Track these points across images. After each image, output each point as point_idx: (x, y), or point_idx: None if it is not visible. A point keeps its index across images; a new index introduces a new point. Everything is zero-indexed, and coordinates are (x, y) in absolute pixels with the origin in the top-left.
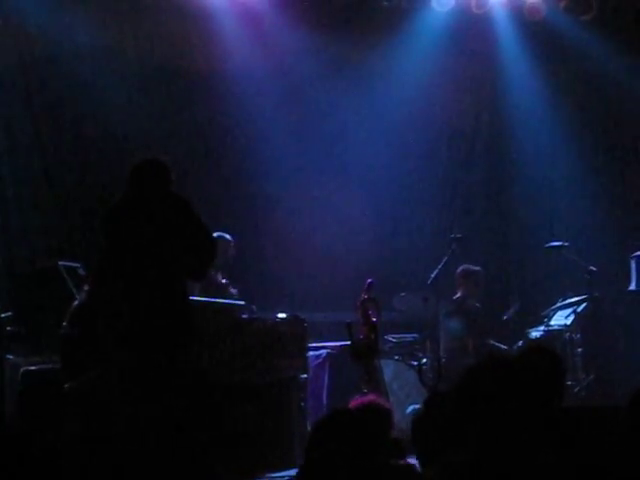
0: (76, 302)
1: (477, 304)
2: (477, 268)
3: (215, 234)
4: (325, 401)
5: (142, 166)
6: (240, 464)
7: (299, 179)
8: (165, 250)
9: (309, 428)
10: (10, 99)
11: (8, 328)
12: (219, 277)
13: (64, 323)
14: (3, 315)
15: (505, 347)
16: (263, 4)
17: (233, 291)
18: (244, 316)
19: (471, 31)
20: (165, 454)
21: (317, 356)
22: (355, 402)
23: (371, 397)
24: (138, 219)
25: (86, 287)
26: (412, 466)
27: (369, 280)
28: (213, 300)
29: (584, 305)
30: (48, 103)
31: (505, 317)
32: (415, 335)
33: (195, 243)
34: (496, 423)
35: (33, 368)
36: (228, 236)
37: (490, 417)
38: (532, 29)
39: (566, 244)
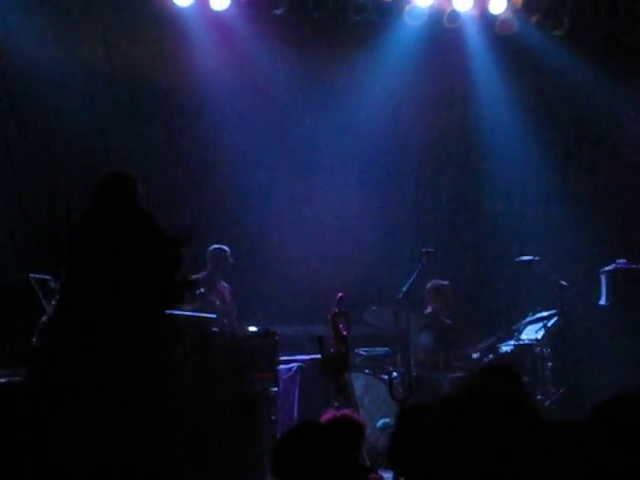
0: (46, 315)
1: (447, 319)
2: (445, 282)
3: (214, 246)
4: (296, 414)
5: (108, 179)
6: (210, 478)
7: (269, 192)
8: (130, 265)
9: None
10: None
11: None
12: (222, 285)
13: (34, 337)
14: None
15: (475, 360)
16: (235, 17)
17: (213, 300)
18: (214, 329)
19: (443, 45)
20: (134, 470)
21: (288, 369)
22: (328, 415)
23: (344, 411)
24: (102, 233)
25: (54, 301)
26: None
27: (340, 294)
28: (181, 313)
29: (554, 319)
30: (18, 118)
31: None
32: (386, 349)
33: (160, 257)
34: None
35: (2, 380)
36: (226, 247)
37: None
38: (504, 44)
39: (536, 259)
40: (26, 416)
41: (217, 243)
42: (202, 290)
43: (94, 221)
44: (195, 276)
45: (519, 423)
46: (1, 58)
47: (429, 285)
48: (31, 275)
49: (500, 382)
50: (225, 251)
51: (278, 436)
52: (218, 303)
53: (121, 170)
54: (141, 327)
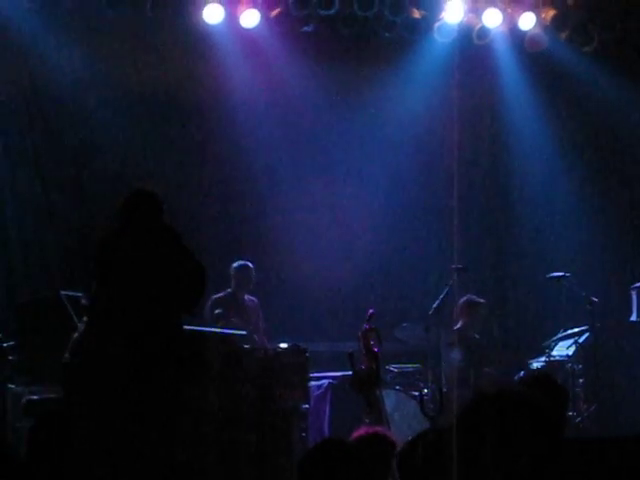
0: (77, 332)
1: (476, 335)
2: (482, 300)
3: (239, 262)
4: (326, 431)
5: (132, 197)
6: None
7: (298, 208)
8: (157, 282)
9: None
10: (11, 131)
11: (10, 357)
12: (247, 299)
13: (66, 353)
14: (5, 344)
15: (506, 378)
16: (265, 35)
17: (234, 320)
18: (245, 346)
19: (472, 62)
20: None
21: (319, 386)
22: (360, 432)
23: (377, 428)
24: (129, 251)
25: (84, 318)
26: None
27: (371, 310)
28: (213, 330)
29: (585, 336)
30: (49, 135)
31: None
32: (417, 365)
33: (186, 275)
34: (500, 455)
35: (35, 397)
36: (250, 263)
37: (495, 449)
38: (533, 60)
39: (567, 275)
40: (62, 433)
41: (244, 260)
42: (219, 311)
43: (121, 239)
44: (216, 295)
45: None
46: (33, 77)
47: (464, 299)
48: (62, 292)
49: (542, 393)
50: (249, 267)
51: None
52: (236, 320)
53: (145, 187)
54: (170, 343)
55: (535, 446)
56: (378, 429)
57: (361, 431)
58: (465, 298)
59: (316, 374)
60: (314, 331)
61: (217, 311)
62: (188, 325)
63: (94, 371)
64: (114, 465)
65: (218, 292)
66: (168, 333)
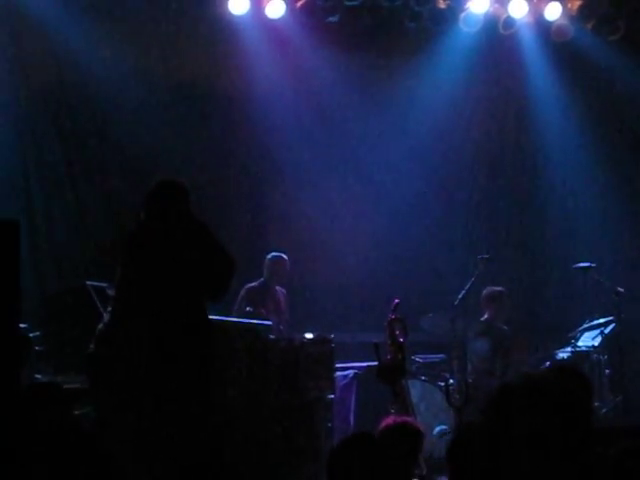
0: (102, 323)
1: (504, 326)
2: (500, 289)
3: (273, 254)
4: (352, 422)
5: (160, 188)
6: None
7: (326, 199)
8: (184, 272)
9: None
10: (40, 123)
11: (37, 347)
12: (278, 292)
13: (91, 344)
14: (32, 334)
15: (531, 367)
16: (290, 25)
17: (263, 312)
18: (271, 336)
19: (498, 52)
20: (191, 475)
21: (344, 376)
22: (387, 422)
23: (404, 417)
24: (157, 242)
25: (109, 308)
26: None
27: (396, 300)
28: (239, 320)
29: (611, 326)
30: (77, 126)
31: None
32: (442, 356)
33: (213, 265)
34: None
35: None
36: (284, 255)
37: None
38: (559, 50)
39: (593, 265)
40: (88, 421)
41: (270, 251)
42: (249, 309)
43: (148, 229)
44: (250, 284)
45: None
46: (60, 68)
47: (484, 292)
48: (88, 282)
49: (564, 383)
50: (284, 259)
51: (334, 443)
52: (265, 312)
53: (172, 178)
54: (196, 334)
55: (564, 436)
56: (406, 418)
57: (389, 420)
58: (485, 291)
59: (342, 364)
60: (340, 321)
61: (248, 309)
62: (215, 315)
63: (119, 361)
64: (140, 454)
65: (247, 282)
66: (194, 323)
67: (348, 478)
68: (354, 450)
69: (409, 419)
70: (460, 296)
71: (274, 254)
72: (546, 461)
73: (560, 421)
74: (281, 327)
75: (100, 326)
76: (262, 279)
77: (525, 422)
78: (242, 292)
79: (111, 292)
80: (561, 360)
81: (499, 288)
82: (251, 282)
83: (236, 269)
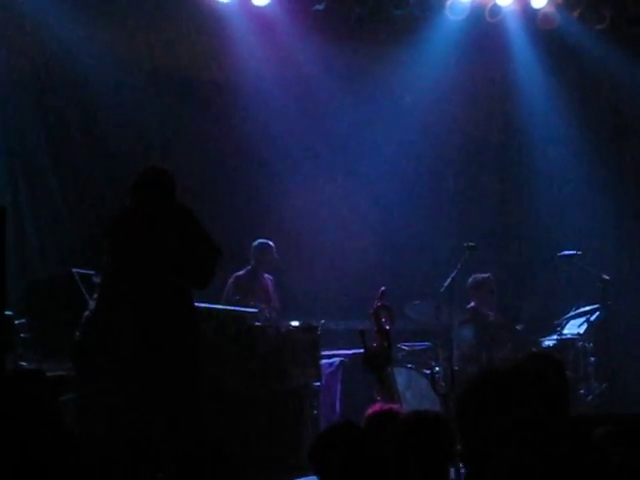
0: (87, 311)
1: (490, 312)
2: (486, 275)
3: (259, 241)
4: (338, 409)
5: (145, 175)
6: (252, 472)
7: (312, 187)
8: (169, 259)
9: None
10: (24, 108)
11: (22, 335)
12: (266, 279)
13: (77, 331)
14: (17, 322)
15: (517, 354)
16: (277, 13)
17: (251, 302)
18: (257, 323)
19: (484, 40)
20: (176, 463)
21: (330, 364)
22: (374, 409)
23: (390, 405)
24: (142, 228)
25: (95, 295)
26: None
27: (382, 288)
28: (225, 307)
29: (597, 314)
30: (62, 112)
31: (519, 328)
32: (428, 343)
33: (199, 252)
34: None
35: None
36: (271, 242)
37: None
38: (545, 38)
39: (579, 253)
40: (71, 407)
41: (257, 237)
42: (238, 298)
43: (133, 216)
44: (238, 272)
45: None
46: (48, 54)
47: (470, 280)
48: (74, 270)
49: (544, 370)
50: (270, 246)
51: (320, 430)
52: (253, 301)
53: (157, 165)
54: (182, 321)
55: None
56: (392, 406)
57: (375, 408)
58: (471, 278)
59: (328, 352)
60: (326, 309)
61: (237, 297)
62: (201, 302)
63: (105, 348)
64: (127, 442)
65: (236, 270)
66: (179, 310)
67: (334, 461)
68: (337, 440)
69: (395, 406)
70: (446, 284)
71: (260, 241)
72: (526, 450)
73: (537, 409)
74: (269, 314)
75: (86, 313)
76: (249, 267)
77: (501, 411)
78: (230, 280)
79: (97, 279)
80: (547, 347)
81: (485, 275)
82: (239, 270)
83: (221, 256)
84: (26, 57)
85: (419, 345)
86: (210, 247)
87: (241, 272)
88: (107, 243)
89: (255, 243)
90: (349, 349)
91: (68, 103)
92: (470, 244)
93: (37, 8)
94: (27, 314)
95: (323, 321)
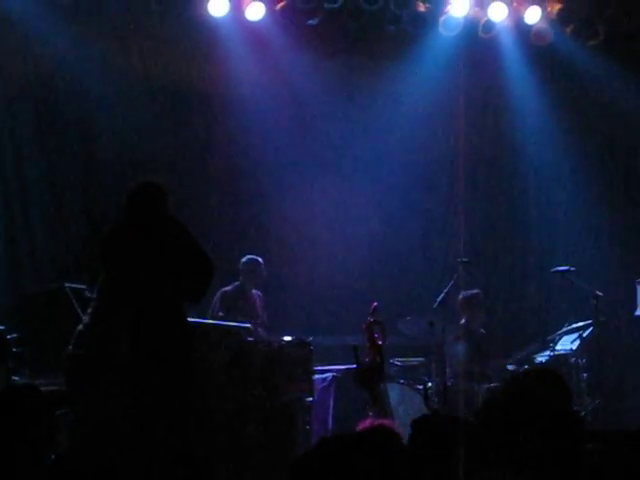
0: (81, 325)
1: (482, 329)
2: (475, 291)
3: (248, 257)
4: (330, 424)
5: (138, 189)
6: None
7: (303, 201)
8: (163, 273)
9: None
10: (18, 119)
11: (14, 349)
12: (254, 295)
13: (69, 346)
14: (9, 336)
15: (510, 371)
16: (270, 28)
17: (240, 317)
18: (249, 339)
19: (478, 56)
20: (168, 474)
21: (323, 379)
22: (365, 424)
23: (382, 420)
24: (136, 243)
25: (89, 310)
26: None
27: (375, 303)
28: (218, 323)
29: (590, 330)
30: (55, 124)
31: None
32: (421, 359)
33: (193, 266)
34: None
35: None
36: (259, 258)
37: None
38: (539, 54)
39: (572, 269)
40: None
41: (249, 253)
42: (221, 314)
43: (127, 231)
44: (225, 288)
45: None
46: (41, 66)
47: (460, 296)
48: (67, 284)
49: (545, 388)
50: (259, 262)
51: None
52: (242, 317)
53: (151, 179)
54: (175, 336)
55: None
56: (383, 422)
57: (366, 423)
58: (461, 296)
59: (320, 367)
60: (318, 324)
61: (220, 314)
62: (194, 318)
63: (98, 363)
64: (117, 456)
65: (226, 285)
66: (173, 325)
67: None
68: (327, 453)
69: (387, 422)
70: (439, 299)
71: (249, 257)
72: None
73: (541, 426)
74: (259, 330)
75: (79, 327)
76: (237, 283)
77: (508, 428)
78: (216, 296)
79: (89, 294)
80: (539, 364)
81: (474, 291)
82: (226, 286)
83: (215, 270)
84: (21, 72)
85: (412, 361)
86: (204, 261)
87: (228, 288)
88: (100, 257)
89: (244, 259)
90: (342, 364)
91: (63, 118)
92: (463, 260)
93: (32, 22)
94: (19, 328)
95: (311, 338)
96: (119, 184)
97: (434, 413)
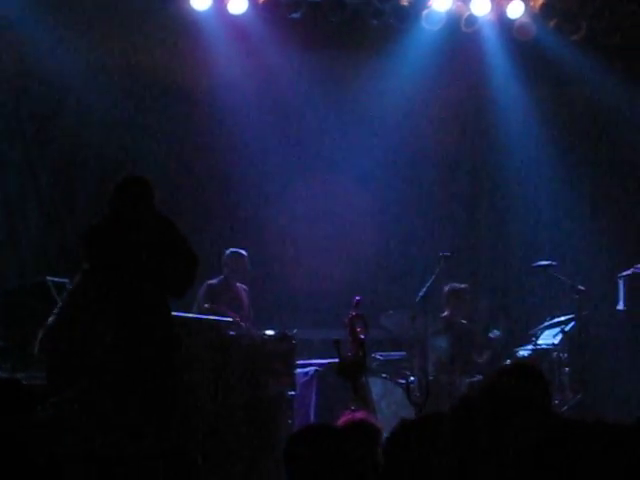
0: (50, 319)
1: (464, 321)
2: (463, 285)
3: (231, 250)
4: (313, 418)
5: (123, 184)
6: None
7: (286, 196)
8: (146, 267)
9: None
10: (0, 118)
11: None
12: (239, 288)
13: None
14: None
15: (492, 364)
16: (252, 21)
17: (224, 309)
18: (231, 333)
19: (460, 50)
20: (152, 473)
21: (305, 373)
22: (345, 419)
23: (361, 415)
24: (121, 237)
25: (60, 304)
26: None
27: (357, 297)
28: (201, 317)
29: (572, 324)
30: (37, 119)
31: (492, 336)
32: (403, 353)
33: (176, 260)
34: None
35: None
36: (243, 251)
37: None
38: (521, 48)
39: (554, 263)
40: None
41: (233, 247)
42: (207, 305)
43: (111, 225)
44: (210, 281)
45: (540, 424)
46: (20, 61)
47: (447, 288)
48: (48, 278)
49: (522, 383)
50: (243, 255)
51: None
52: (226, 309)
53: (136, 175)
54: (157, 330)
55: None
56: (363, 415)
57: (347, 417)
58: (447, 287)
59: (302, 361)
60: (301, 318)
61: (206, 305)
62: (177, 311)
63: (80, 357)
64: (101, 452)
65: (211, 278)
66: (156, 319)
67: (306, 469)
68: (311, 440)
69: (367, 416)
70: (421, 293)
71: (232, 250)
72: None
73: (519, 422)
74: (242, 324)
75: (50, 319)
76: (222, 276)
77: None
78: (202, 289)
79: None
80: (520, 358)
81: (462, 285)
82: (211, 279)
83: (198, 264)
84: (2, 66)
85: (394, 355)
86: (188, 255)
87: (213, 280)
88: (84, 250)
89: (227, 252)
90: (324, 359)
91: (44, 114)
92: (445, 254)
93: (15, 18)
94: (1, 323)
95: (295, 330)
96: (102, 179)
97: (417, 409)
